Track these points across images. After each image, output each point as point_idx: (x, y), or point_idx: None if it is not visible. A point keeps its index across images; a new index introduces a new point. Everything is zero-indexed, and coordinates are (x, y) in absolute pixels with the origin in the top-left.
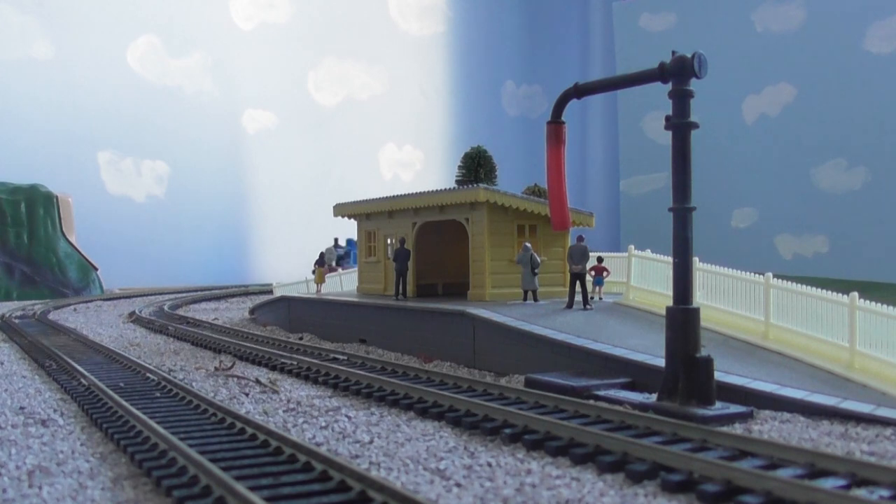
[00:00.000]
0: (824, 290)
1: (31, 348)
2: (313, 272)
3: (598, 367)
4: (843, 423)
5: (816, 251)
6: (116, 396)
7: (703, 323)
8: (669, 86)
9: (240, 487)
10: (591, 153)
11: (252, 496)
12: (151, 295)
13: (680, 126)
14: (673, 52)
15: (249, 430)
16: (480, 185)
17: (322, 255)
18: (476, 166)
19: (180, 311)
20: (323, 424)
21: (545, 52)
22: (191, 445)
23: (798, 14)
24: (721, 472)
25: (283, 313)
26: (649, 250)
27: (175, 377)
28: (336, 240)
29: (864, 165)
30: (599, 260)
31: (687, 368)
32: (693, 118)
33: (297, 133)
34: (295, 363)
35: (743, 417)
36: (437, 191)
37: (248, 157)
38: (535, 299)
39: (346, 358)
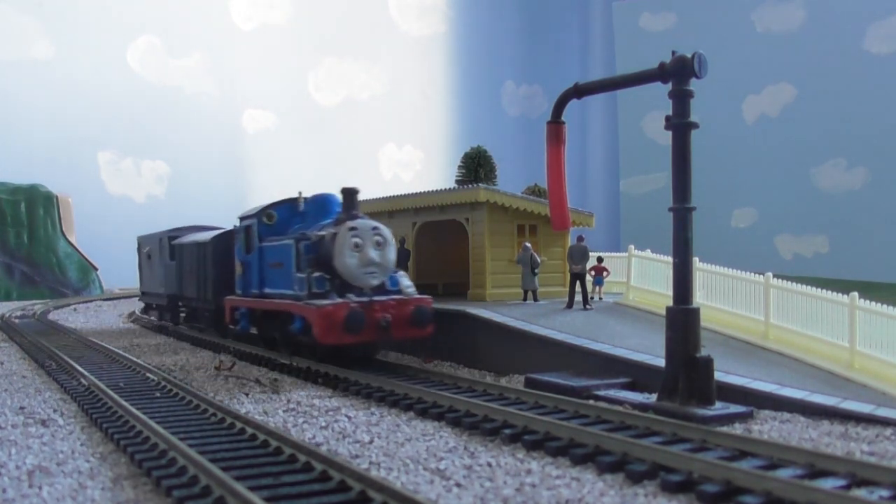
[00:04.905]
0: (824, 290)
1: (31, 348)
2: None
3: (598, 367)
4: (843, 423)
5: (816, 251)
6: (116, 396)
7: (703, 323)
8: (669, 86)
9: (240, 487)
10: (591, 153)
11: (252, 496)
12: None
13: (680, 126)
14: (673, 52)
15: (249, 430)
16: (480, 185)
17: None
18: (476, 166)
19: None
20: (323, 424)
21: (545, 52)
22: (191, 445)
23: (798, 14)
24: (721, 473)
25: None
26: (649, 250)
27: (175, 377)
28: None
29: (864, 165)
30: (599, 260)
31: (687, 368)
32: (693, 118)
33: (297, 133)
34: (295, 363)
35: (743, 417)
36: (437, 191)
37: (248, 157)
38: (535, 299)
39: None
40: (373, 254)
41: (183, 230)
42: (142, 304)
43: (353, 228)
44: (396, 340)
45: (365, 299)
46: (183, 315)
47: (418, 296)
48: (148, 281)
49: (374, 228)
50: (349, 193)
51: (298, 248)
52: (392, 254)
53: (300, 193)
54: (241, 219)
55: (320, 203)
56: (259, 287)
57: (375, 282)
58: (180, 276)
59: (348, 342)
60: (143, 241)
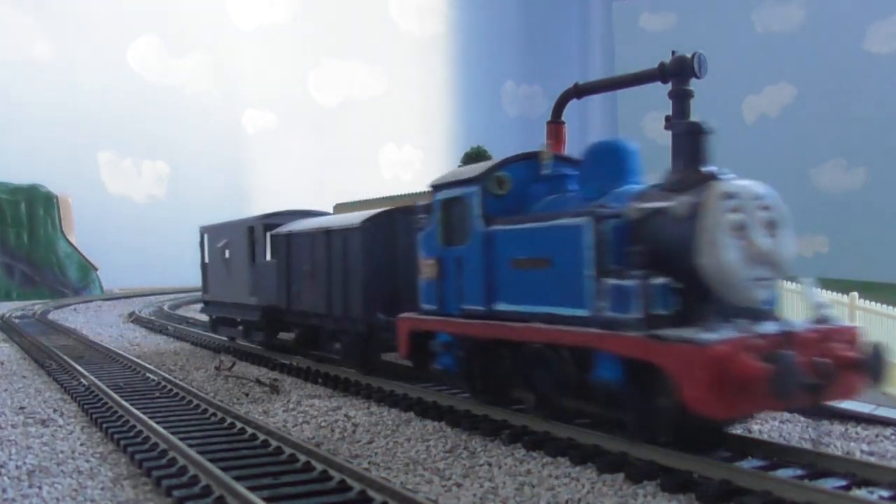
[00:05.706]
0: (824, 291)
1: (31, 348)
2: None
3: None
4: (843, 423)
5: (816, 251)
6: (116, 396)
7: None
8: (669, 86)
9: (240, 487)
10: None
11: (252, 496)
12: (151, 295)
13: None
14: (673, 52)
15: (249, 430)
16: None
17: None
18: None
19: (180, 311)
20: (323, 424)
21: (545, 52)
22: (191, 445)
23: (798, 14)
24: (721, 473)
25: None
26: None
27: (175, 377)
28: None
29: (864, 165)
30: None
31: None
32: (693, 118)
33: (297, 133)
34: (295, 363)
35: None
36: None
37: (248, 157)
38: None
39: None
40: (765, 243)
41: (279, 216)
42: (142, 305)
43: (730, 195)
44: (825, 406)
45: (774, 330)
46: (289, 336)
47: (845, 324)
48: (222, 287)
49: (758, 198)
50: (697, 132)
51: (599, 231)
52: (791, 243)
53: (545, 147)
54: (437, 187)
55: (598, 157)
56: (485, 301)
57: (765, 295)
58: (288, 281)
59: (755, 411)
60: (213, 233)
